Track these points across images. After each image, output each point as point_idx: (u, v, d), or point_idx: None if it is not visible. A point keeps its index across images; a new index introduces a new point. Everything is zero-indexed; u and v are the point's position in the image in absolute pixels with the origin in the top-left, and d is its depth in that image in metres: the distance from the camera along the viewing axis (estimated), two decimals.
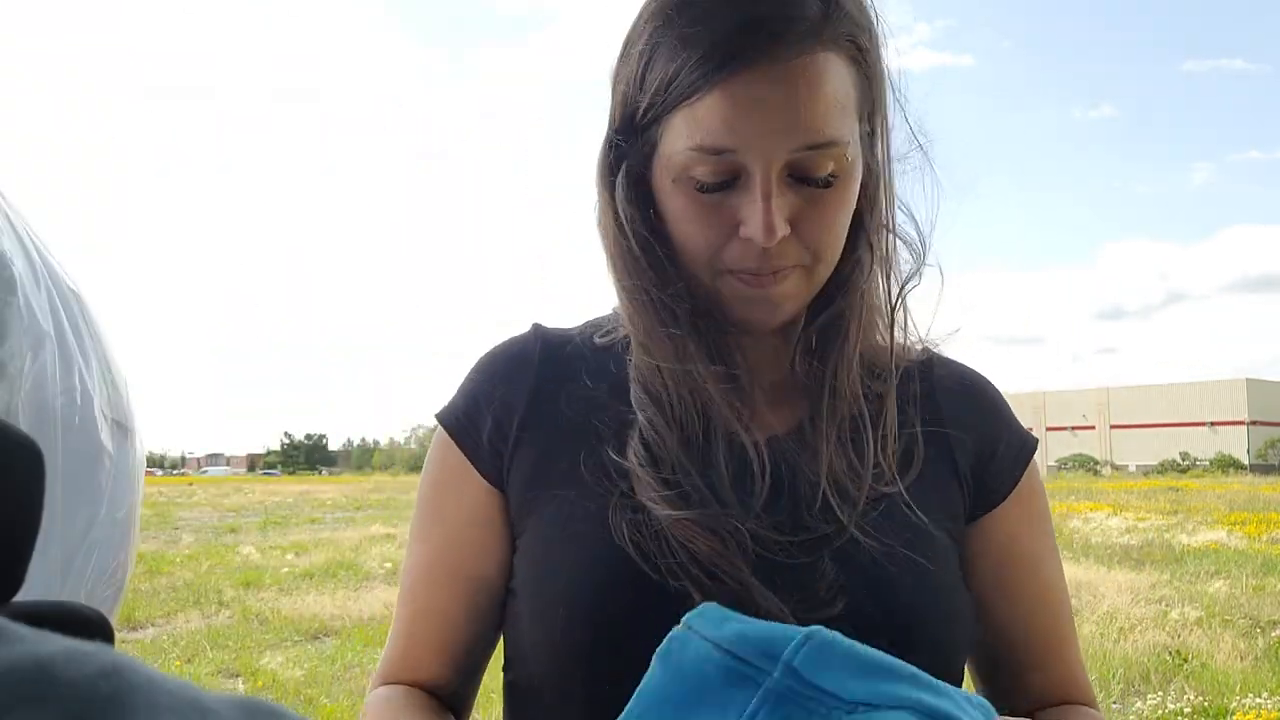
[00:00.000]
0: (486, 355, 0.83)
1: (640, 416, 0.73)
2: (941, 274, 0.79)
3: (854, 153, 0.69)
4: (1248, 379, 60.31)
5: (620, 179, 0.73)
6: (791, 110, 0.65)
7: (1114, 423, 63.43)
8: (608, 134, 0.75)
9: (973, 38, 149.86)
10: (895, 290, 0.78)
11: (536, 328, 0.84)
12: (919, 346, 0.82)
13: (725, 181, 0.68)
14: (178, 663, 6.12)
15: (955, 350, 0.84)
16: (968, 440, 0.79)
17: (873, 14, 0.72)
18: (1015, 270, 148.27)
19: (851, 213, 0.72)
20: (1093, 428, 63.98)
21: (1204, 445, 57.94)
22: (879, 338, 0.78)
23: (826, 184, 0.68)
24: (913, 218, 0.78)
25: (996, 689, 0.81)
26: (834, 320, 0.75)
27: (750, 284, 0.71)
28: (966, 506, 0.78)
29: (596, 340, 0.80)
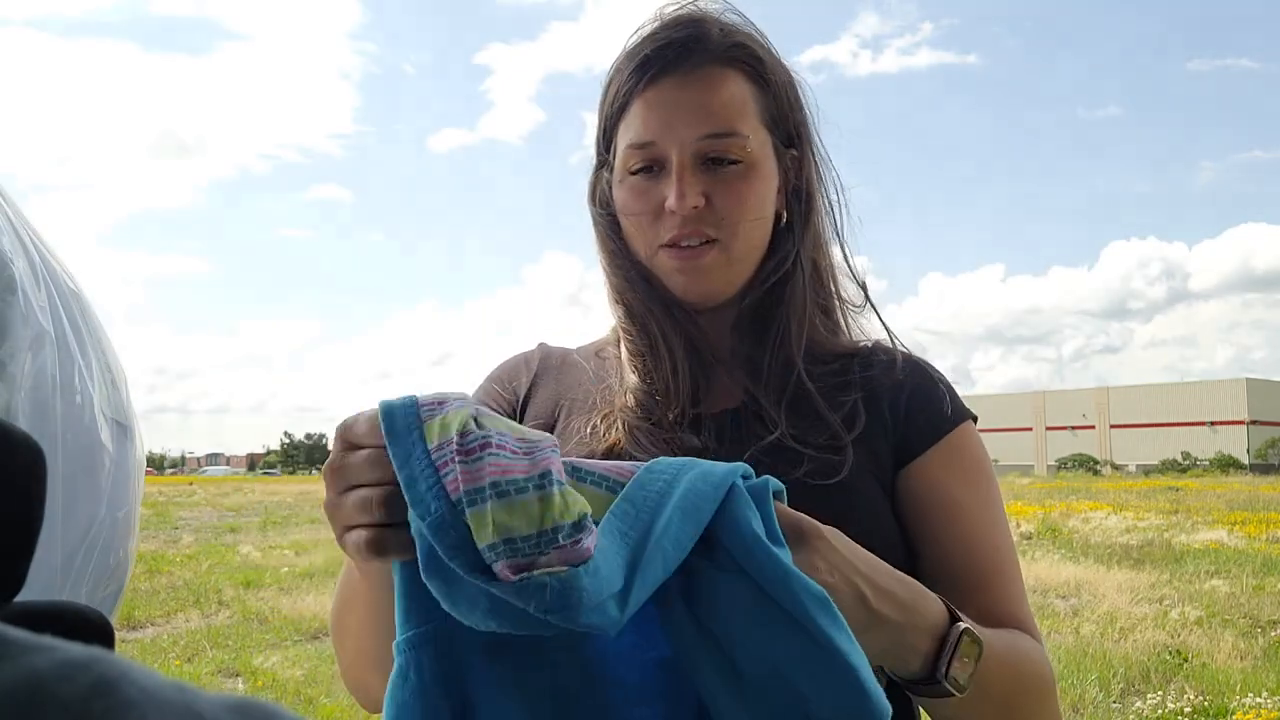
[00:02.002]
0: (495, 367, 1.02)
1: (629, 397, 0.89)
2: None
3: (756, 148, 0.87)
4: (1248, 379, 60.31)
5: (599, 193, 0.95)
6: (695, 107, 0.85)
7: (1114, 422, 63.43)
8: (594, 162, 0.96)
9: (977, 37, 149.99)
10: (830, 296, 0.96)
11: (540, 345, 1.04)
12: (871, 340, 0.97)
13: (653, 169, 0.87)
14: (177, 662, 6.12)
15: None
16: (899, 402, 0.90)
17: (784, 63, 0.92)
18: (1018, 269, 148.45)
19: (763, 201, 0.89)
20: (1093, 427, 63.98)
21: (1204, 445, 57.95)
22: (821, 332, 0.94)
23: (733, 166, 0.86)
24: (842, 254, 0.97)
25: None
26: (768, 314, 0.91)
27: (678, 257, 0.87)
28: (892, 457, 0.88)
29: (596, 354, 0.99)
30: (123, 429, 0.66)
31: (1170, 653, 5.88)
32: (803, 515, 0.63)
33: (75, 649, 0.20)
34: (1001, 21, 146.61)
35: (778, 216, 0.92)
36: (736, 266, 0.89)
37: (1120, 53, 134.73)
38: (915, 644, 0.66)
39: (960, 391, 0.95)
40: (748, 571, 0.55)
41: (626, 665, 0.58)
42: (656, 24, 0.90)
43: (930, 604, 0.68)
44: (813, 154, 0.94)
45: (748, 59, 0.88)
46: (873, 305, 0.98)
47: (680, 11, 0.90)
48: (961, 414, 0.91)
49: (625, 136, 0.88)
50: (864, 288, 0.98)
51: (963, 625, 0.68)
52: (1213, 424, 59.61)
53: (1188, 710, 4.68)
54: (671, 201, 0.85)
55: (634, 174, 0.88)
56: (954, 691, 0.67)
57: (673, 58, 0.86)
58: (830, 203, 0.96)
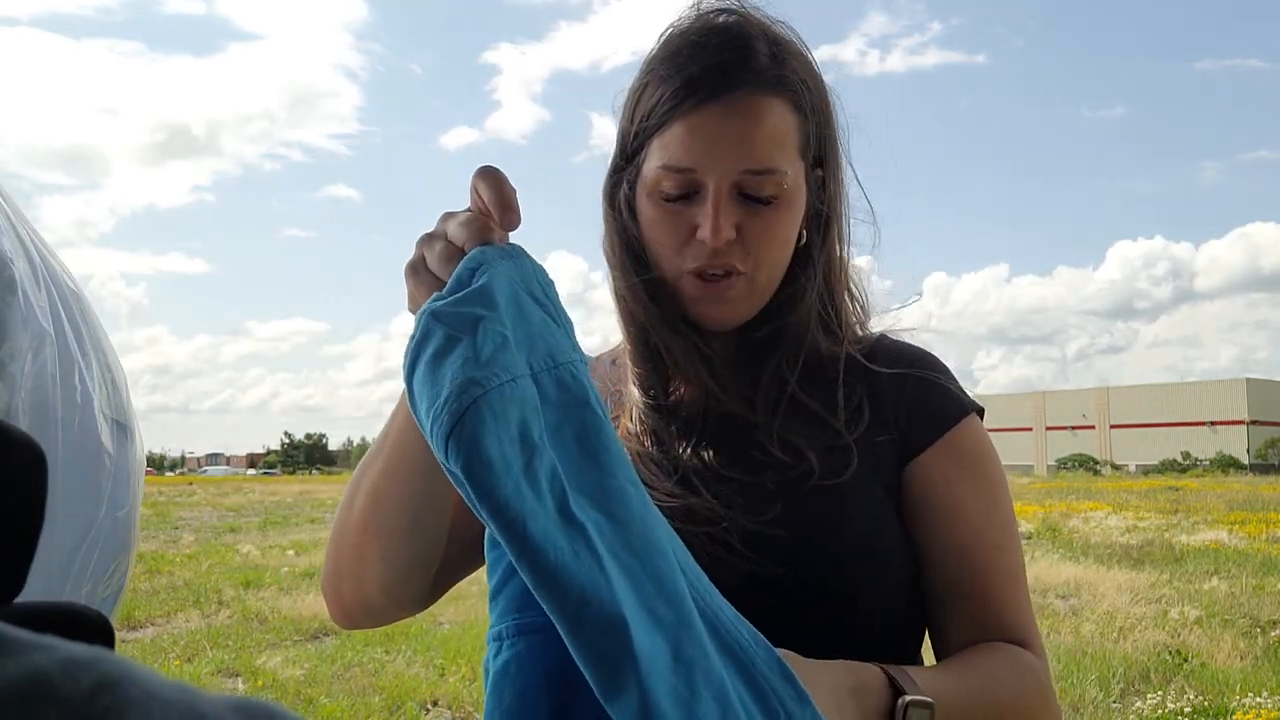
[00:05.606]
0: None
1: (632, 410, 0.89)
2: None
3: (792, 182, 0.84)
4: (1248, 379, 60.29)
5: (620, 197, 0.89)
6: (738, 139, 0.81)
7: (1114, 422, 63.38)
8: (611, 160, 0.91)
9: (985, 36, 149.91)
10: (840, 304, 0.94)
11: None
12: (875, 333, 0.96)
13: (686, 194, 0.84)
14: (177, 662, 6.11)
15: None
16: (901, 398, 0.90)
17: (823, 79, 0.89)
18: (1022, 269, 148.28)
19: (792, 233, 0.87)
20: (1093, 427, 63.93)
21: (1204, 445, 57.90)
22: (824, 338, 0.92)
23: (768, 202, 0.83)
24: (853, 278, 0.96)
25: (931, 628, 0.87)
26: (779, 328, 0.90)
27: (703, 288, 0.85)
28: (895, 456, 0.88)
29: (613, 362, 0.96)
30: (123, 429, 0.66)
31: (1170, 653, 5.87)
32: None
33: (78, 648, 0.20)
34: (1009, 21, 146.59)
35: (798, 236, 0.90)
36: (760, 296, 0.88)
37: (1127, 52, 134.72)
38: None
39: None
40: None
41: None
42: (697, 24, 0.86)
43: (868, 684, 0.68)
44: (837, 172, 0.92)
45: (794, 86, 0.84)
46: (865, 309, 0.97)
47: (723, 16, 0.86)
48: (965, 408, 0.90)
49: (660, 155, 0.84)
50: (865, 304, 0.97)
51: (907, 697, 0.68)
52: (1213, 424, 59.58)
53: (1188, 710, 4.67)
54: (705, 233, 0.82)
55: (666, 198, 0.85)
56: None
57: (718, 82, 0.81)
58: (847, 218, 0.94)
